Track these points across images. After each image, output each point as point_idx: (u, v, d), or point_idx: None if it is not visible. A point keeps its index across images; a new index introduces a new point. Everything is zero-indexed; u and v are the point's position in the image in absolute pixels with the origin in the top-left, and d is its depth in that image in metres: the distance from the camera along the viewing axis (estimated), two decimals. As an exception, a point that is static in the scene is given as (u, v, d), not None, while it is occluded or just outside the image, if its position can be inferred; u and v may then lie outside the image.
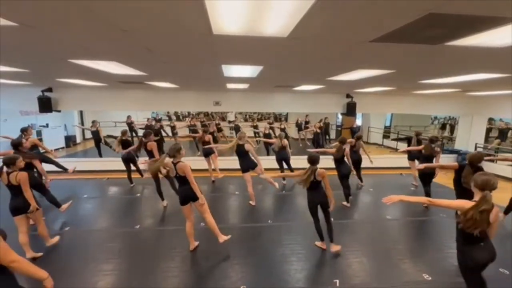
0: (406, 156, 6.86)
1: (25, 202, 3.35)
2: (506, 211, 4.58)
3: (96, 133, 8.78)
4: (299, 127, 12.57)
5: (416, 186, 6.76)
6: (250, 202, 5.52)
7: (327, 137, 12.55)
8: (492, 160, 7.73)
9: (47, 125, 11.14)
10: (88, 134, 11.34)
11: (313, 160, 3.55)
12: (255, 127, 12.32)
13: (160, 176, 5.11)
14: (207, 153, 6.87)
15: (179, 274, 3.34)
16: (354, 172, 6.43)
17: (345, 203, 5.48)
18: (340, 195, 5.43)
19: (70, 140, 12.06)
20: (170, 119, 16.11)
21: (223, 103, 8.28)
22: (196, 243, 3.88)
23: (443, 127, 16.37)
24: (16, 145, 4.58)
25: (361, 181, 6.73)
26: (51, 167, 5.79)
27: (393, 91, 7.19)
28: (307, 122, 12.49)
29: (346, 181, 5.50)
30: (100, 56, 3.08)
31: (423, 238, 4.38)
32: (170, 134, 11.38)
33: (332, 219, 3.84)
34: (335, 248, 3.73)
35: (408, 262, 3.64)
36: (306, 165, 3.61)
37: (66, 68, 3.87)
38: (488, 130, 10.74)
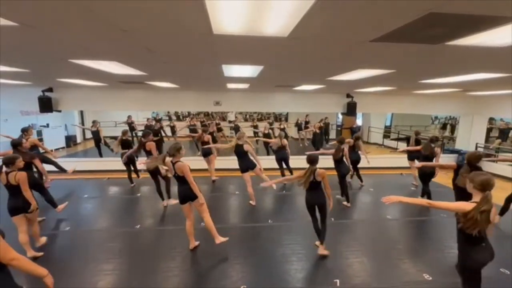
0: (406, 156, 6.88)
1: (25, 202, 3.35)
2: (502, 212, 4.50)
3: (96, 133, 8.80)
4: (299, 127, 12.56)
5: (416, 186, 6.76)
6: (250, 202, 5.53)
7: (327, 137, 12.55)
8: (492, 161, 7.73)
9: (47, 125, 11.18)
10: (89, 134, 11.36)
11: (312, 160, 3.53)
12: (255, 127, 12.32)
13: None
14: (206, 153, 6.87)
15: (180, 274, 3.34)
16: (352, 172, 6.43)
17: (345, 203, 5.48)
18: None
19: (70, 140, 12.10)
20: (170, 119, 16.13)
21: (224, 103, 8.28)
22: (197, 243, 3.88)
23: (443, 127, 16.37)
24: (16, 145, 4.58)
25: (361, 180, 6.73)
26: (52, 167, 5.79)
27: (394, 91, 7.18)
28: (307, 122, 12.46)
29: (345, 181, 5.51)
30: (100, 56, 3.08)
31: (423, 238, 4.38)
32: (170, 134, 11.38)
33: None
34: (322, 251, 3.67)
35: (408, 262, 3.64)
36: (306, 165, 3.60)
37: (67, 68, 3.87)
38: (489, 130, 10.73)
